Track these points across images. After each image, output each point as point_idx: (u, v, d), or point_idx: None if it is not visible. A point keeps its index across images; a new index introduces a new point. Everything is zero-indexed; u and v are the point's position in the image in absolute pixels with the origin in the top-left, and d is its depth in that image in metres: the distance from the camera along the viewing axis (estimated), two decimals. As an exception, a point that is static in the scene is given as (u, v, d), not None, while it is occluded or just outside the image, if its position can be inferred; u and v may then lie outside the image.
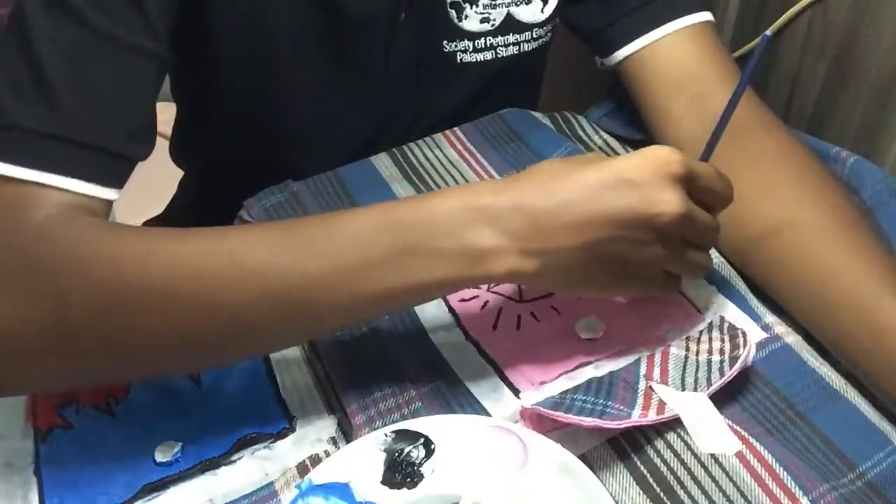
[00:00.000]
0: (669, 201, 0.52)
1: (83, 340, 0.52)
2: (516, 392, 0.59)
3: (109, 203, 0.58)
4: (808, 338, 0.62)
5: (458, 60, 0.79)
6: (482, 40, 0.78)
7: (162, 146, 0.96)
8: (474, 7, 0.76)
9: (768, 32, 0.51)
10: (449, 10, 0.76)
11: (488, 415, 0.58)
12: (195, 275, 0.52)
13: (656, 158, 0.52)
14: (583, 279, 0.55)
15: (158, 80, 0.62)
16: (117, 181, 0.58)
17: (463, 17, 0.76)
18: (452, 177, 0.77)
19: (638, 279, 0.57)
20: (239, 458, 0.57)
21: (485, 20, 0.77)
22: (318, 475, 0.52)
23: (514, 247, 0.52)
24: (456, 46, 0.78)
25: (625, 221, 0.52)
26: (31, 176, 0.54)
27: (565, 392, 0.57)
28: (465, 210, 0.52)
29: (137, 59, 0.59)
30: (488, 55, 0.79)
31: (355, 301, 0.53)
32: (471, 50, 0.78)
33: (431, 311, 0.64)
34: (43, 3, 0.55)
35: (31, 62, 0.55)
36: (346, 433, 0.58)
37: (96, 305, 0.52)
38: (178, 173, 0.98)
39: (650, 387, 0.57)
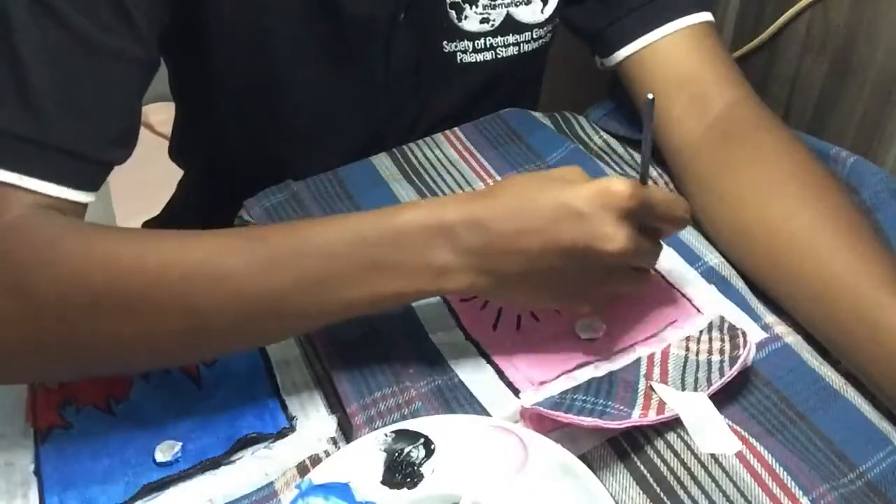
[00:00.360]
0: (615, 238, 0.53)
1: (49, 337, 0.53)
2: (516, 392, 0.59)
3: (84, 205, 0.58)
4: (808, 338, 0.62)
5: (458, 61, 0.79)
6: (482, 41, 0.78)
7: (162, 146, 0.97)
8: (474, 7, 0.76)
9: (650, 95, 0.54)
10: (449, 10, 0.76)
11: (488, 415, 0.58)
12: (163, 279, 0.53)
13: (608, 193, 0.54)
14: (534, 296, 0.58)
15: (143, 84, 0.61)
16: (92, 185, 0.58)
17: (463, 17, 0.76)
18: (452, 177, 0.77)
19: (584, 297, 0.60)
20: (239, 458, 0.57)
21: (484, 20, 0.77)
22: (318, 475, 0.52)
23: (471, 265, 0.55)
24: (456, 47, 0.78)
25: (573, 253, 0.54)
26: (4, 177, 0.54)
27: (565, 392, 0.57)
28: (426, 227, 0.54)
29: (121, 64, 0.59)
30: (488, 56, 0.79)
31: (319, 310, 0.55)
32: (471, 50, 0.78)
33: (431, 311, 0.64)
34: (28, 6, 0.55)
35: (14, 65, 0.55)
36: (346, 433, 0.58)
37: (64, 304, 0.53)
38: (178, 173, 0.98)
39: (650, 387, 0.57)
